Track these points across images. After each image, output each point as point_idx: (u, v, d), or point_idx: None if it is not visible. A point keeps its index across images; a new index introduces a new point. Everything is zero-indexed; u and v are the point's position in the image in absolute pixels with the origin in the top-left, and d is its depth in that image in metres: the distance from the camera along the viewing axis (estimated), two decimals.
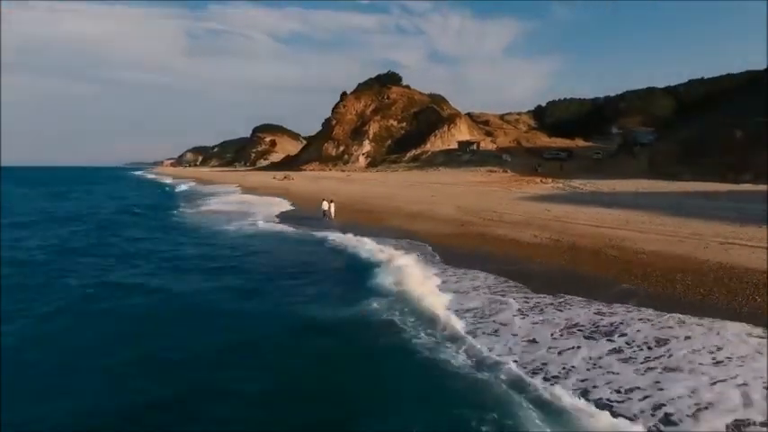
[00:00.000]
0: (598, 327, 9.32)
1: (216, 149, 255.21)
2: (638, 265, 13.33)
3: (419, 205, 29.88)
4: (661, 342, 8.55)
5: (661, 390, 6.80)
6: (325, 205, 26.21)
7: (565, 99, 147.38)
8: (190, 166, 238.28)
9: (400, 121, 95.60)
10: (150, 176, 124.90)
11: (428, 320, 9.53)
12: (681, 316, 9.56)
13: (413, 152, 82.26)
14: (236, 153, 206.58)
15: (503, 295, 11.41)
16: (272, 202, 35.13)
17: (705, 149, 38.92)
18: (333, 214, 25.84)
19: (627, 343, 8.61)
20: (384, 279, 12.56)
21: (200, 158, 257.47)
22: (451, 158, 73.02)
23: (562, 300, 11.00)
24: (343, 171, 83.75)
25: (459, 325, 9.18)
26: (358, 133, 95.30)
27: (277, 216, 27.79)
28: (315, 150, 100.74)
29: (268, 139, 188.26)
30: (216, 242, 19.96)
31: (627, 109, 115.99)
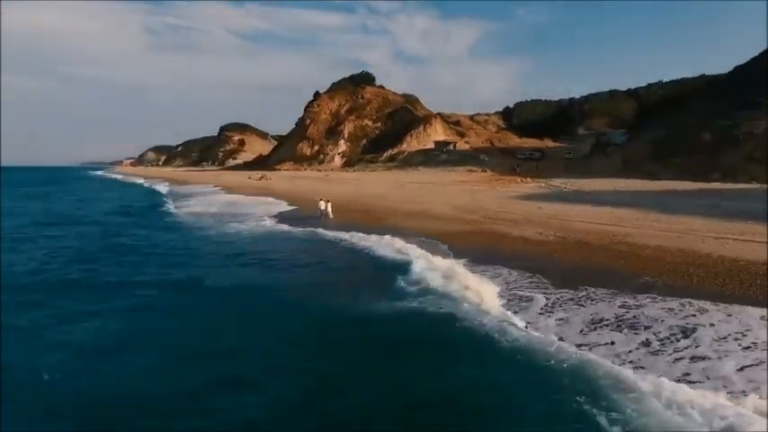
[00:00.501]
0: (623, 319, 10.00)
1: (180, 149, 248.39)
2: (647, 259, 14.29)
3: (414, 205, 30.45)
4: (688, 332, 9.27)
5: (691, 382, 7.20)
6: (322, 205, 26.70)
7: (531, 100, 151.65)
8: (152, 165, 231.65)
9: (375, 121, 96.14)
10: (115, 176, 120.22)
11: (481, 312, 10.11)
12: (701, 303, 10.44)
13: (389, 152, 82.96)
14: (202, 153, 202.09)
15: (531, 290, 12.05)
16: (266, 202, 35.03)
17: (674, 150, 41.22)
18: (330, 214, 26.27)
19: (654, 334, 9.31)
20: (422, 275, 13.06)
21: (163, 158, 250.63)
22: (429, 158, 74.09)
23: (585, 293, 11.70)
24: (319, 171, 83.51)
25: (517, 319, 9.81)
26: (333, 133, 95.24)
27: (276, 216, 27.88)
28: (288, 150, 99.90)
29: (236, 139, 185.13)
30: (233, 241, 20.01)
31: (592, 110, 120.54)
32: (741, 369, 7.60)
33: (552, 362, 7.82)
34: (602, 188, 35.71)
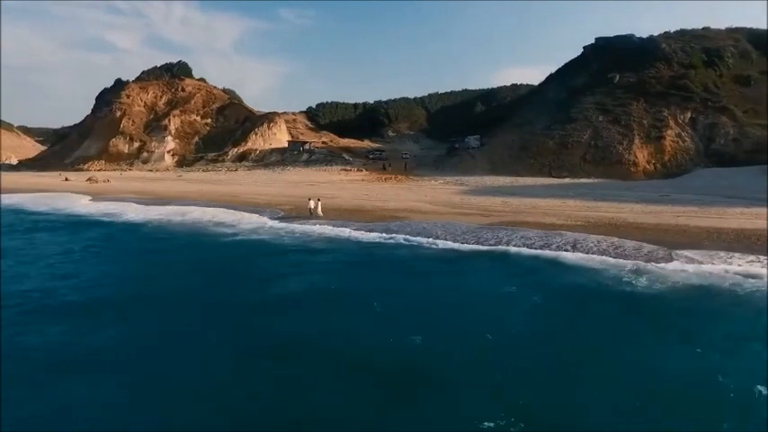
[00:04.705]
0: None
1: None
2: (672, 232, 20.89)
3: (395, 202, 32.41)
4: None
5: None
6: (311, 203, 28.44)
7: (332, 102, 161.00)
8: None
9: (203, 117, 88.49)
10: None
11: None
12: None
13: (235, 150, 78.24)
14: None
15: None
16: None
17: (527, 153, 53.02)
18: (321, 212, 28.01)
19: None
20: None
21: None
22: (289, 158, 73.27)
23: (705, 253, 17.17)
24: (150, 171, 73.01)
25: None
26: (155, 129, 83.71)
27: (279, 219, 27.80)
28: (94, 146, 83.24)
29: None
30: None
31: (397, 115, 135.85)
32: None
33: None
34: (507, 184, 43.75)
